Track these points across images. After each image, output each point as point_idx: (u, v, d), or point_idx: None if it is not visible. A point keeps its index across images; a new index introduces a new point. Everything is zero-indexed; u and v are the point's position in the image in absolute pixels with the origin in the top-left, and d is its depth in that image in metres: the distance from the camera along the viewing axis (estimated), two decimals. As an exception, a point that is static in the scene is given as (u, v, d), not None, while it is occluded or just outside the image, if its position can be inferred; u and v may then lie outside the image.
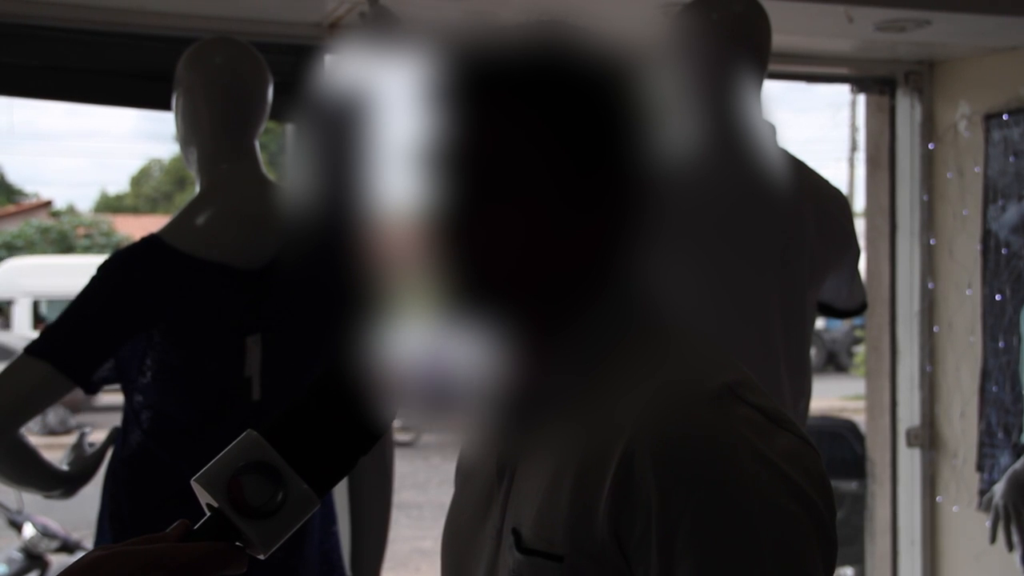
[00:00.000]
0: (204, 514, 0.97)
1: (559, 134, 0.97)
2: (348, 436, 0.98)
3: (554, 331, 1.01)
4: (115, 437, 2.13)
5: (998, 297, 3.54)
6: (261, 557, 0.96)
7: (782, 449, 0.91)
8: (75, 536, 5.52)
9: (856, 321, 11.49)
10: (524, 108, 0.97)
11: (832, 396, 13.03)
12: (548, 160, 0.97)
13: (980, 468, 3.62)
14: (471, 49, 1.00)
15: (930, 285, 3.84)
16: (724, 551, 0.87)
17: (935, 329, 3.84)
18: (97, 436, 2.22)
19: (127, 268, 2.09)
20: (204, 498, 0.96)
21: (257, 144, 2.20)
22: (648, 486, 0.89)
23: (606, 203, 0.99)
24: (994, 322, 3.58)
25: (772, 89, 2.27)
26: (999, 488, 2.41)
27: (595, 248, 1.00)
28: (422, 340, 1.05)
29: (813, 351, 2.28)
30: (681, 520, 0.88)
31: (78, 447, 2.19)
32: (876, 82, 3.91)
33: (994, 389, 3.57)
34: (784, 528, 0.89)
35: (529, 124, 0.97)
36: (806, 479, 0.91)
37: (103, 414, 10.35)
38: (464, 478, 1.16)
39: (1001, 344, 3.56)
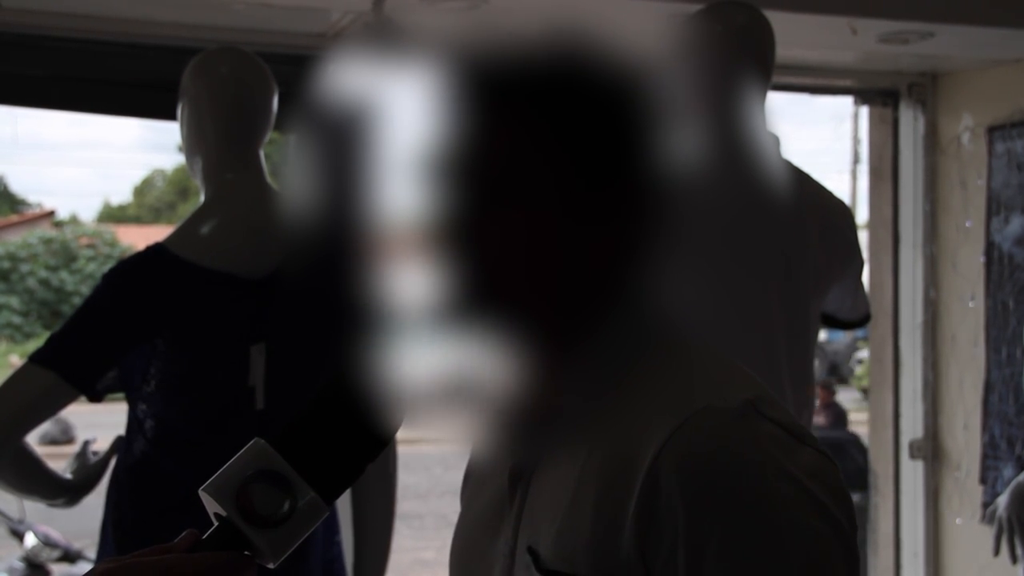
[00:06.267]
0: (208, 522, 0.96)
1: (568, 145, 0.95)
2: (355, 443, 0.98)
3: (569, 345, 1.00)
4: (119, 446, 2.14)
5: None
6: (271, 566, 0.96)
7: (806, 465, 0.90)
8: (77, 545, 5.50)
9: (859, 333, 11.48)
10: (535, 115, 0.95)
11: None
12: (555, 170, 0.95)
13: (983, 480, 3.61)
14: (486, 52, 0.98)
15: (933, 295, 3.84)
16: (753, 571, 0.87)
17: (938, 341, 3.83)
18: (101, 445, 2.22)
19: (132, 277, 2.09)
20: (212, 507, 0.96)
21: (262, 154, 2.21)
22: (675, 506, 0.88)
23: (618, 218, 0.97)
24: (997, 334, 3.58)
25: (775, 101, 2.27)
26: (1003, 500, 2.40)
27: (607, 262, 0.98)
28: (428, 348, 1.04)
29: (816, 362, 2.28)
30: (709, 541, 0.87)
31: (82, 456, 2.19)
32: (879, 94, 3.91)
33: (997, 401, 3.57)
34: (811, 546, 0.88)
35: (539, 132, 0.95)
36: (829, 495, 0.90)
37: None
38: (473, 490, 1.15)
39: (1004, 356, 3.55)
